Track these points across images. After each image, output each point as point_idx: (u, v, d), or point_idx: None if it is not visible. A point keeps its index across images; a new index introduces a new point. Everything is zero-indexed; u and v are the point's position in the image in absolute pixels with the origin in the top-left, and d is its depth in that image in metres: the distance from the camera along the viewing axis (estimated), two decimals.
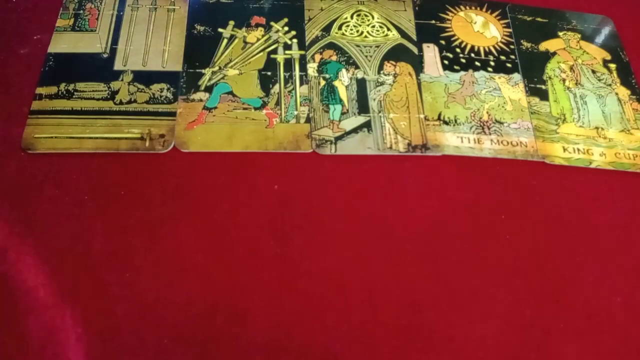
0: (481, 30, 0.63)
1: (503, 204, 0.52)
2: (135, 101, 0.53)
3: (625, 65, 0.63)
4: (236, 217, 0.48)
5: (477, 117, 0.57)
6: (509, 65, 0.61)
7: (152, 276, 0.45)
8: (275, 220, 0.48)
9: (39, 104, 0.52)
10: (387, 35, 0.61)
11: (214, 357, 0.42)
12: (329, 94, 0.56)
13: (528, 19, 0.65)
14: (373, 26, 0.62)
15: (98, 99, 0.53)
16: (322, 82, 0.57)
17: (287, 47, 0.59)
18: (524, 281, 0.48)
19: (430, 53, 0.61)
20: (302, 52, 0.59)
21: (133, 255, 0.45)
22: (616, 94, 0.61)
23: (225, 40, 0.58)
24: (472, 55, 0.61)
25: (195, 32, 0.58)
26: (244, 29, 0.60)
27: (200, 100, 0.54)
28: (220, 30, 0.59)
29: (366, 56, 0.59)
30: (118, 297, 0.44)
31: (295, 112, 0.54)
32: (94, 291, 0.44)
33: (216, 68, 0.56)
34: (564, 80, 0.61)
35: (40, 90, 0.52)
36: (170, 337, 0.42)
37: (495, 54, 0.62)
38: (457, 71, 0.60)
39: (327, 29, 0.61)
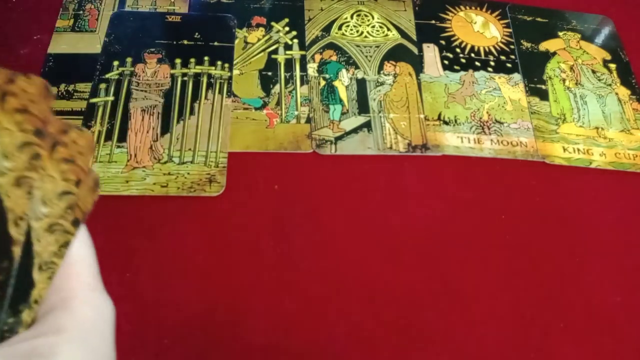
0: (481, 30, 0.63)
1: (503, 204, 0.52)
2: None
3: (625, 65, 0.63)
4: (236, 217, 0.48)
5: (477, 117, 0.57)
6: (509, 65, 0.61)
7: (152, 276, 0.45)
8: (275, 220, 0.48)
9: None
10: (387, 35, 0.61)
11: (214, 357, 0.42)
12: (329, 94, 0.56)
13: (528, 19, 0.65)
14: (373, 26, 0.62)
15: None
16: (322, 82, 0.57)
17: (287, 47, 0.59)
18: (524, 281, 0.48)
19: (430, 53, 0.60)
20: (303, 52, 0.59)
21: (133, 255, 0.45)
22: (616, 94, 0.61)
23: None
24: (472, 55, 0.61)
25: None
26: (244, 29, 0.60)
27: None
28: None
29: (366, 56, 0.59)
30: (118, 297, 0.43)
31: (296, 112, 0.54)
32: None
33: None
34: (564, 80, 0.61)
35: None
36: (170, 337, 0.42)
37: (495, 54, 0.62)
38: (457, 71, 0.60)
39: (327, 29, 0.61)
